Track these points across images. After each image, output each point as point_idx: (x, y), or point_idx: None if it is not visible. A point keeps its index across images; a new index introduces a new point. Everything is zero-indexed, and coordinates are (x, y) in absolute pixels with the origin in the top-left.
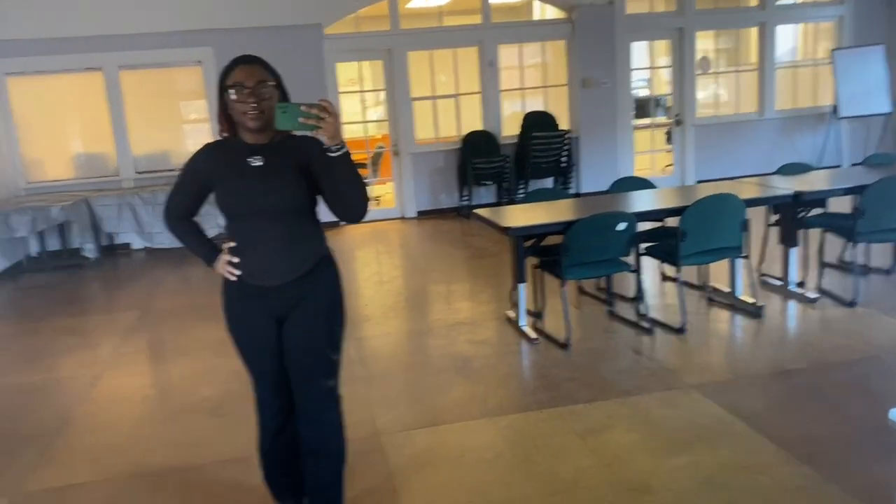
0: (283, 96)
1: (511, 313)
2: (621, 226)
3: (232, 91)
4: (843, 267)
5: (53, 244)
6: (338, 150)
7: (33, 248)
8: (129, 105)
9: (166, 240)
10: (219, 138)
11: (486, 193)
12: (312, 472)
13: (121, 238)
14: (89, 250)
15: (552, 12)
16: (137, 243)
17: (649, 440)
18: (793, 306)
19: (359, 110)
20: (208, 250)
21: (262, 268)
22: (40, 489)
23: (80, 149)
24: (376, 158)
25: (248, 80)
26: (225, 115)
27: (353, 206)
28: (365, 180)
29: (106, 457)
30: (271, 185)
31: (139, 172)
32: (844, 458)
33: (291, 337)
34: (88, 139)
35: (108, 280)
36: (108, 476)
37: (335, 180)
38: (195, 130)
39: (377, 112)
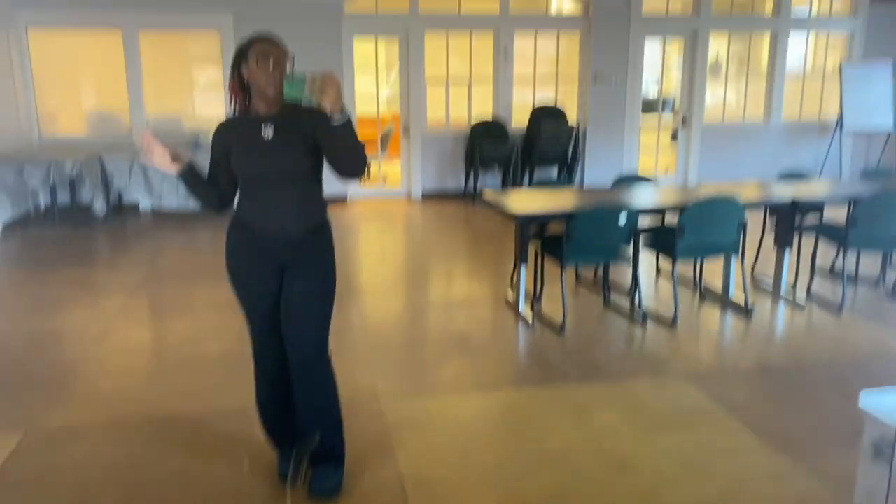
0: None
1: (510, 295)
2: (623, 217)
3: (257, 61)
4: (834, 274)
5: (63, 198)
6: (340, 119)
7: (43, 200)
8: (146, 66)
9: (174, 201)
10: (230, 116)
11: (491, 180)
12: (309, 425)
13: (129, 197)
14: (98, 207)
15: (569, 6)
16: (145, 203)
17: (635, 421)
18: (782, 308)
19: (372, 90)
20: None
21: (272, 222)
22: (54, 426)
23: (95, 106)
24: (386, 138)
25: (272, 52)
26: (239, 87)
27: (353, 167)
28: (373, 157)
29: (116, 402)
30: (281, 150)
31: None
32: (820, 449)
33: (289, 288)
34: (103, 97)
35: (115, 237)
36: (116, 419)
37: (337, 146)
38: (207, 95)
39: (390, 92)
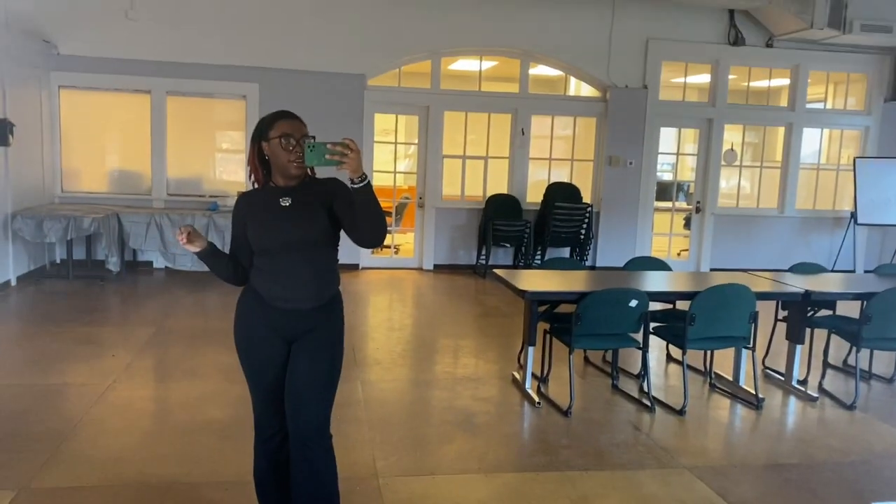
0: None
1: (517, 374)
2: (633, 302)
3: (280, 140)
4: (846, 370)
5: (79, 253)
6: (360, 181)
7: (59, 254)
8: (171, 129)
9: (188, 262)
10: (250, 189)
11: (503, 255)
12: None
13: (144, 255)
14: (113, 263)
15: (587, 90)
16: (159, 262)
17: None
18: (793, 402)
19: (390, 160)
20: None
21: (285, 292)
22: (47, 487)
23: (118, 164)
24: (401, 209)
25: (295, 132)
26: (259, 162)
27: (373, 233)
28: (388, 227)
29: (112, 464)
30: (298, 222)
31: (170, 194)
32: None
33: (295, 362)
34: (127, 156)
35: (127, 294)
36: (112, 483)
37: (357, 209)
38: (229, 160)
39: (407, 164)
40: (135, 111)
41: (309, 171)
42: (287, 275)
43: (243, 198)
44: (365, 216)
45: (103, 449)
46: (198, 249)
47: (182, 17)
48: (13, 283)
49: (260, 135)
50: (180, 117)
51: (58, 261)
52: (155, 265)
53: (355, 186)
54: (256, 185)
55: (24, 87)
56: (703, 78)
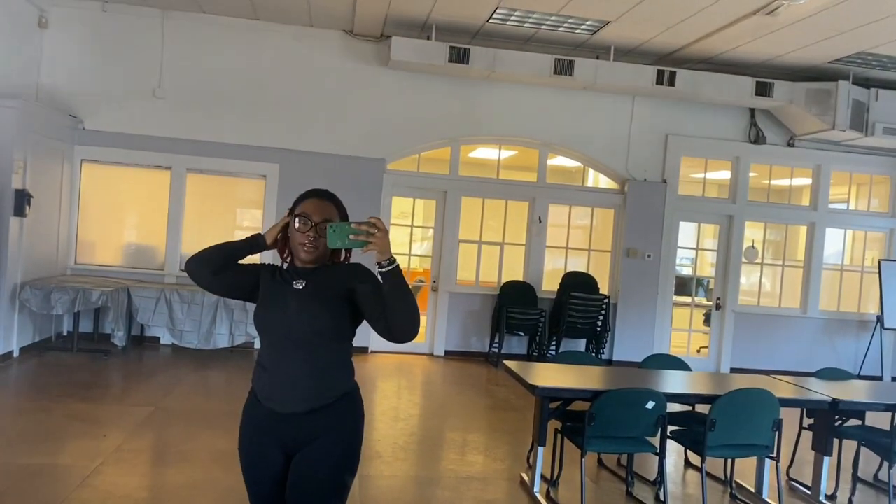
0: None
1: (525, 476)
2: (650, 404)
3: (298, 219)
4: (878, 485)
5: (86, 326)
6: (389, 264)
7: (66, 326)
8: (189, 205)
9: (195, 339)
10: (274, 264)
11: (517, 344)
12: None
13: (151, 331)
14: (119, 338)
15: (605, 181)
16: (166, 338)
17: None
18: None
19: (406, 242)
20: (249, 238)
21: (279, 391)
22: None
23: (133, 239)
24: (414, 291)
25: (315, 215)
26: (283, 237)
27: (404, 325)
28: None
29: None
30: (307, 307)
31: (183, 270)
32: None
33: (296, 475)
34: (143, 231)
35: (130, 370)
36: None
37: (386, 297)
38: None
39: (423, 247)
40: (154, 187)
41: (343, 254)
42: (285, 370)
43: (269, 266)
44: (396, 306)
45: None
46: (273, 233)
47: (206, 98)
48: (16, 353)
49: (292, 208)
50: (200, 194)
51: (65, 333)
52: (162, 341)
53: (383, 270)
54: (282, 262)
55: (47, 159)
56: (724, 174)
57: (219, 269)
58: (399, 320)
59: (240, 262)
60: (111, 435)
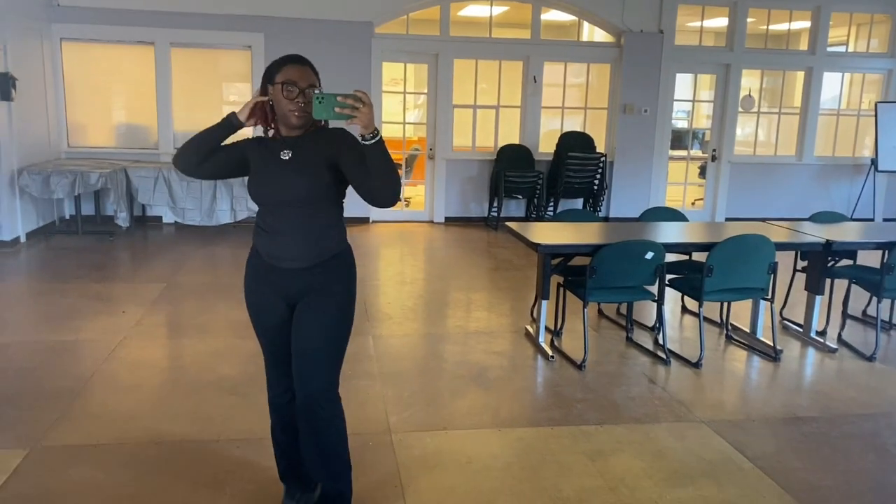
0: None
1: (530, 328)
2: (649, 255)
3: (282, 87)
4: (866, 321)
5: (88, 209)
6: (372, 137)
7: (68, 210)
8: (176, 81)
9: (197, 216)
10: (259, 135)
11: (515, 207)
12: (314, 469)
13: (153, 210)
14: (122, 219)
15: (601, 35)
16: (168, 217)
17: (655, 469)
18: (811, 354)
19: (399, 111)
20: (224, 120)
21: (280, 251)
22: (59, 445)
23: (123, 119)
24: (411, 160)
25: (300, 81)
26: (262, 111)
27: (385, 192)
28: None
29: (123, 421)
30: (295, 177)
31: (178, 148)
32: None
33: (297, 323)
34: (132, 110)
35: (136, 250)
36: (124, 440)
37: (370, 167)
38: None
39: (416, 115)
40: (139, 64)
41: (322, 122)
42: (283, 232)
43: (255, 139)
44: (378, 174)
45: (115, 406)
46: (247, 112)
47: None
48: (23, 239)
49: (268, 78)
50: (185, 69)
51: (67, 217)
52: (164, 220)
53: (367, 143)
54: (263, 132)
55: (24, 40)
56: (721, 21)
57: (202, 157)
58: (381, 188)
59: (222, 143)
60: (129, 311)
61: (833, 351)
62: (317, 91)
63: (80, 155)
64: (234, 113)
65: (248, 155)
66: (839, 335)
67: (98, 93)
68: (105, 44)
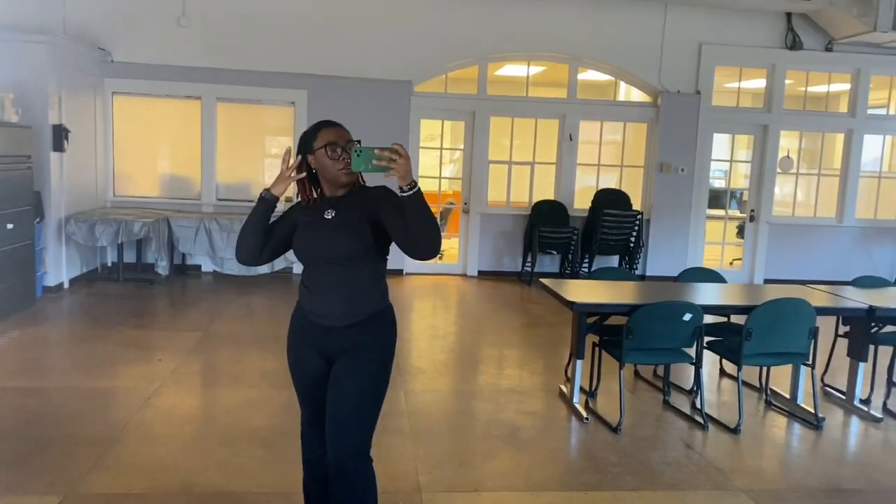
0: None
1: (564, 387)
2: (687, 316)
3: (326, 149)
4: None
5: (129, 256)
6: (409, 189)
7: (110, 258)
8: (221, 134)
9: (235, 266)
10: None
11: (549, 263)
12: None
13: (193, 259)
14: (162, 267)
15: (637, 95)
16: (207, 266)
17: None
18: (855, 423)
19: (435, 165)
20: (259, 202)
21: (320, 308)
22: (93, 493)
23: (168, 169)
24: (445, 214)
25: (339, 139)
26: (300, 180)
27: (426, 244)
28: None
29: (157, 471)
30: (337, 235)
31: (220, 199)
32: None
33: (333, 382)
34: (177, 161)
35: (175, 298)
36: (157, 490)
37: (408, 219)
38: (277, 165)
39: (452, 169)
40: (186, 117)
41: (360, 178)
42: (324, 290)
43: (299, 205)
44: (417, 226)
45: (149, 455)
46: (282, 188)
47: (232, 25)
48: (66, 285)
49: (305, 148)
50: (230, 123)
51: (109, 264)
52: (203, 269)
53: (405, 195)
54: (303, 198)
55: (79, 93)
56: (759, 83)
57: (261, 242)
58: (421, 239)
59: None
60: (165, 359)
61: (878, 420)
62: (355, 145)
63: (125, 203)
64: (266, 190)
65: (296, 221)
66: (884, 404)
67: (145, 144)
68: (154, 97)
